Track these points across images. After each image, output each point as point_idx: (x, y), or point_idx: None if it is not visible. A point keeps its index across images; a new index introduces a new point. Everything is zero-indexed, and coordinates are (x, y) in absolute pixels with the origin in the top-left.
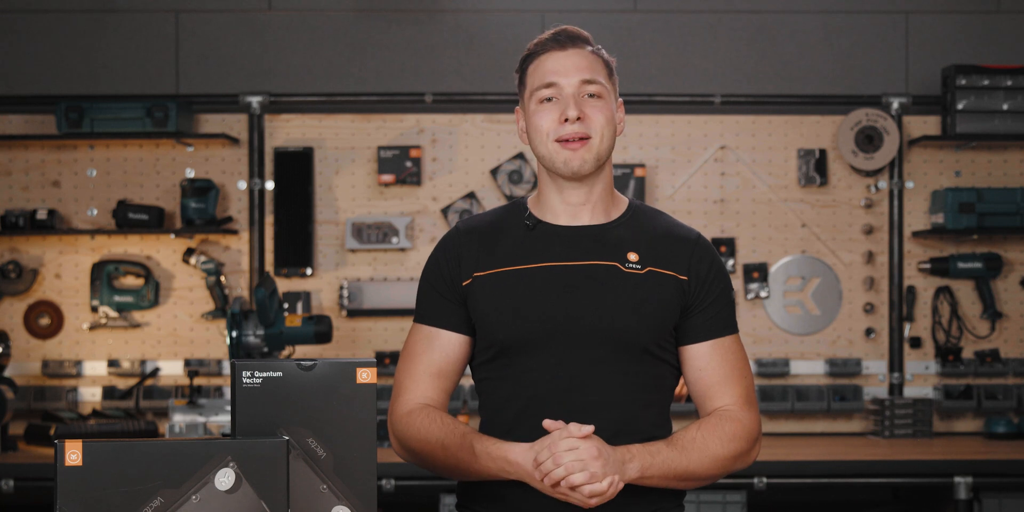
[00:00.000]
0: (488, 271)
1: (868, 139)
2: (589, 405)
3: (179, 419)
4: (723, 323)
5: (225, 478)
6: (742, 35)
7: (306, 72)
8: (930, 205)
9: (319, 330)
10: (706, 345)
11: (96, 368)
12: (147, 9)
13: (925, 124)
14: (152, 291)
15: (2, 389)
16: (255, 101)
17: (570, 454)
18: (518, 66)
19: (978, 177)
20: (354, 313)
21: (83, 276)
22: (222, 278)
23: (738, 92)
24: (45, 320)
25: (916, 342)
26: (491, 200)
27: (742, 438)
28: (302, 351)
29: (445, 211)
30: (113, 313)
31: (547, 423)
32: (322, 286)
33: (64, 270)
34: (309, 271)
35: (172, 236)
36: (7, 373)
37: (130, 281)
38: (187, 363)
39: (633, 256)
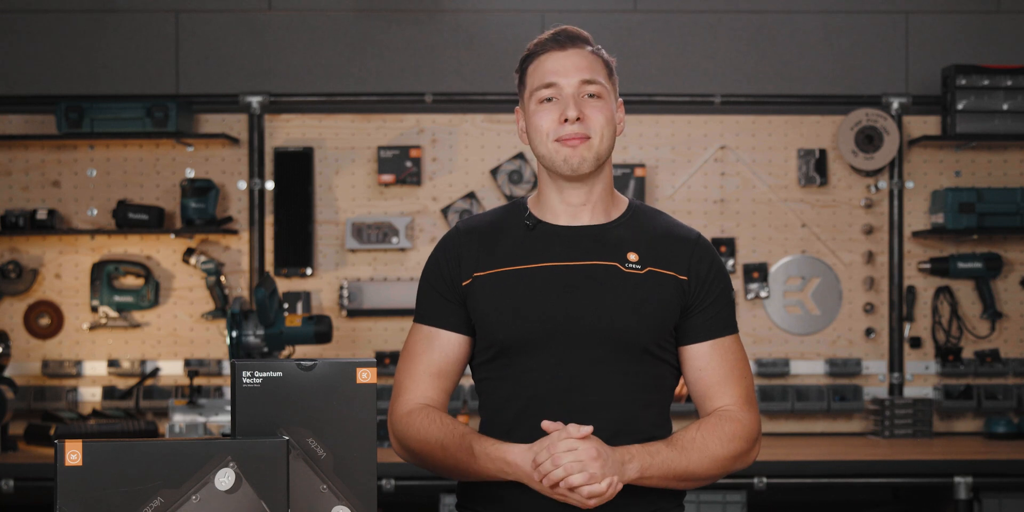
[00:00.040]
0: (488, 271)
1: (868, 139)
2: (589, 405)
3: (179, 419)
4: (723, 323)
5: (225, 478)
6: (742, 35)
7: (306, 72)
8: (930, 205)
9: (319, 330)
10: (706, 345)
11: (96, 368)
12: (147, 9)
13: (925, 124)
14: (152, 291)
15: (2, 389)
16: (255, 101)
17: (569, 455)
18: (518, 66)
19: (978, 177)
20: (354, 313)
21: (83, 276)
22: (222, 278)
23: (738, 92)
24: (45, 320)
25: (916, 342)
26: (491, 200)
27: (742, 438)
28: (302, 351)
29: (445, 211)
30: (113, 313)
31: (546, 424)
32: (322, 286)
33: (64, 270)
34: (309, 271)
35: (172, 236)
36: (7, 373)
37: (130, 281)
38: (187, 363)
39: (633, 256)
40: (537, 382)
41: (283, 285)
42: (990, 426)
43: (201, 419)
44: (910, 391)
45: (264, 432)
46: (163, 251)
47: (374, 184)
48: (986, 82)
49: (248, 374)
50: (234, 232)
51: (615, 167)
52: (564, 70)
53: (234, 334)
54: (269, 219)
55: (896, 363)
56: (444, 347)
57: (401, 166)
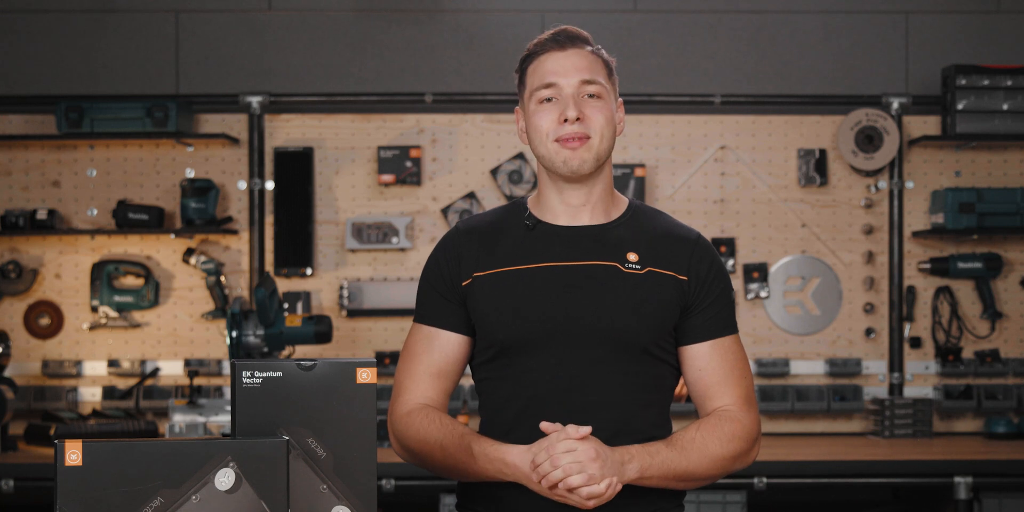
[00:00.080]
0: (488, 271)
1: (868, 139)
2: (589, 405)
3: (179, 419)
4: (723, 323)
5: (225, 478)
6: (742, 35)
7: (306, 72)
8: (930, 205)
9: (319, 330)
10: (706, 345)
11: (96, 368)
12: (147, 9)
13: (925, 124)
14: (152, 291)
15: (2, 389)
16: (255, 101)
17: (568, 456)
18: (518, 66)
19: (978, 177)
20: (354, 313)
21: (83, 276)
22: (222, 278)
23: (738, 92)
24: (45, 320)
25: (916, 342)
26: (491, 200)
27: (741, 438)
28: (302, 351)
29: (445, 211)
30: (113, 313)
31: (544, 425)
32: (322, 286)
33: (64, 270)
34: (309, 271)
35: (172, 236)
36: (7, 373)
37: (130, 281)
38: (187, 363)
39: (633, 256)
40: (537, 382)
41: (283, 285)
42: (990, 426)
43: (201, 419)
44: (910, 391)
45: (264, 432)
46: (163, 251)
47: (374, 184)
48: (986, 82)
49: (248, 374)
50: (234, 232)
51: (615, 167)
52: (564, 70)
53: (234, 334)
54: (269, 219)
55: (896, 363)
56: (444, 347)
57: (401, 166)
